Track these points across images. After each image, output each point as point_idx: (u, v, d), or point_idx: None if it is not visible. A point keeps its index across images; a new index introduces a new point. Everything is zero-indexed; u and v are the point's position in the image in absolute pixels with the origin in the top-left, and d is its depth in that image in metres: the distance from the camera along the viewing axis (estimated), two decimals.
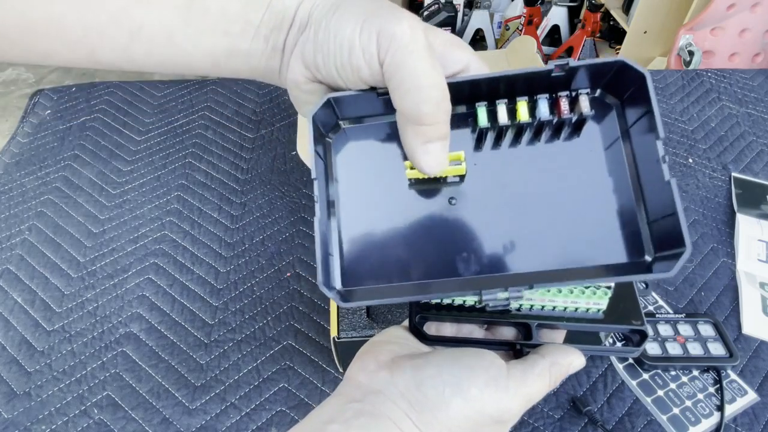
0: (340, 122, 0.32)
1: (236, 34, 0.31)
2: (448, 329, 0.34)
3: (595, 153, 0.30)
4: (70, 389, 0.50)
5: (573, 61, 0.28)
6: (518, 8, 1.97)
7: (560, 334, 0.34)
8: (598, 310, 0.33)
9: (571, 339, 0.34)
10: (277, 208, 0.65)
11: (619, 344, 0.36)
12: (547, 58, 2.00)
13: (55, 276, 0.59)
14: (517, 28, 1.97)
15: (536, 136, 0.31)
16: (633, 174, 0.29)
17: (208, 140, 0.73)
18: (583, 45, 1.81)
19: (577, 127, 0.30)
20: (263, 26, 0.31)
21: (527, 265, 0.29)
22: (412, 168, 0.30)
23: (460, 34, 2.03)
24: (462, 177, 0.31)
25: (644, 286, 0.36)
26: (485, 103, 0.30)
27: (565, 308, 0.33)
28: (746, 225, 0.62)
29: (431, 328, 0.34)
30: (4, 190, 0.68)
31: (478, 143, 0.31)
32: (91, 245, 0.61)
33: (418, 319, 0.33)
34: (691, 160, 0.71)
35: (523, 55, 0.71)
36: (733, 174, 0.69)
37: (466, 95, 0.29)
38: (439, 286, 0.29)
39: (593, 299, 0.32)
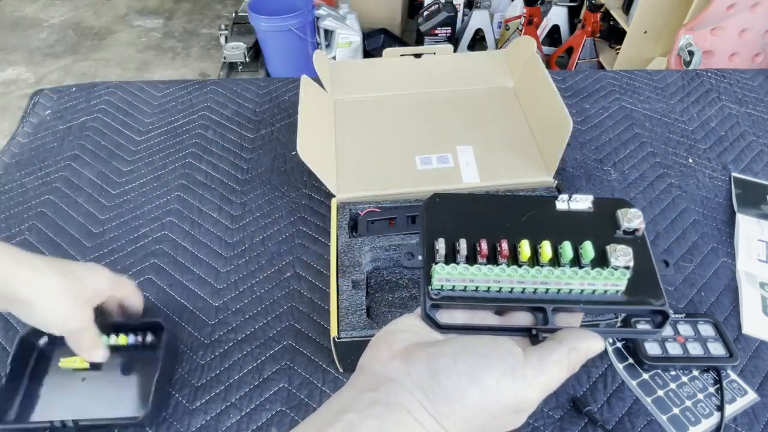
0: None
1: None
2: (460, 316, 0.33)
3: None
4: None
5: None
6: (518, 8, 1.97)
7: (577, 318, 0.32)
8: (617, 291, 0.31)
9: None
10: (277, 208, 0.65)
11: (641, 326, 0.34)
12: (547, 58, 2.00)
13: None
14: (517, 28, 1.97)
15: None
16: None
17: (208, 140, 0.73)
18: (583, 45, 1.80)
19: None
20: None
21: None
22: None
23: (460, 34, 2.03)
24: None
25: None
26: None
27: (582, 291, 0.31)
28: (746, 225, 0.62)
29: (443, 315, 0.33)
30: (4, 190, 0.68)
31: None
32: (91, 245, 0.61)
33: (431, 307, 0.32)
34: (691, 160, 0.71)
35: (523, 56, 0.71)
36: (733, 174, 0.69)
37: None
38: None
39: (611, 281, 0.30)
